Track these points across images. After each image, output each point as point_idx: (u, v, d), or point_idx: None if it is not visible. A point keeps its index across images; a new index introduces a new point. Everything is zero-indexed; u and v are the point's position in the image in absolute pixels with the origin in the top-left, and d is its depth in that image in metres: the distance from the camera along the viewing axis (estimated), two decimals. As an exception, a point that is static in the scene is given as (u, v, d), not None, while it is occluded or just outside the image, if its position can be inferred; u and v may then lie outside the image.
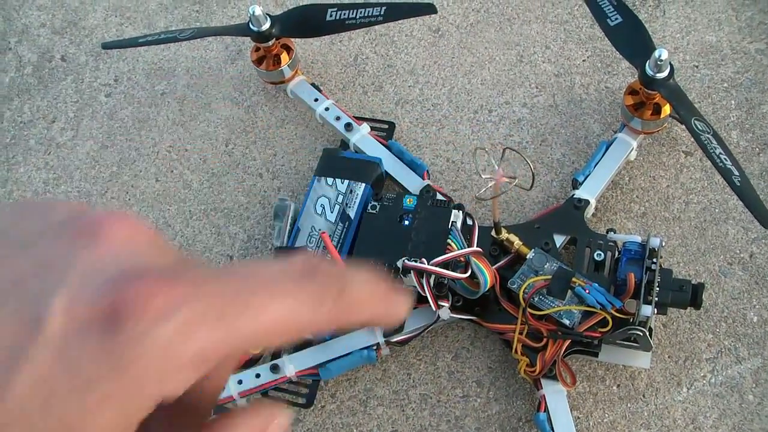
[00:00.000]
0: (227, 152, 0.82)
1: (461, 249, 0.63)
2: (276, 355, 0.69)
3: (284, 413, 0.26)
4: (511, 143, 0.78)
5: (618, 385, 0.67)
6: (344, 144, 0.77)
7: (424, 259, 0.61)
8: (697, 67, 0.79)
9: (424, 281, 0.61)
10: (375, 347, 0.67)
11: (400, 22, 0.85)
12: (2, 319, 0.20)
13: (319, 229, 0.68)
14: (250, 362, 0.68)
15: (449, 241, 0.63)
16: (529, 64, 0.82)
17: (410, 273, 0.61)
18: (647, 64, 0.66)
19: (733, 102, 0.77)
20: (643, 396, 0.66)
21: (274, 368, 0.67)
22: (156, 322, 0.20)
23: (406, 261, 0.61)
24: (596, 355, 0.66)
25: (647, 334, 0.61)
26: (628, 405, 0.66)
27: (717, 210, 0.72)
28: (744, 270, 0.70)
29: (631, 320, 0.61)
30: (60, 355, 0.20)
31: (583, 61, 0.82)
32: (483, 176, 0.55)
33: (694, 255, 0.71)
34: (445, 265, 0.61)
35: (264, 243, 0.77)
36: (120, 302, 0.20)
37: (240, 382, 0.67)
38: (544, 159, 0.77)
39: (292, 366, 0.67)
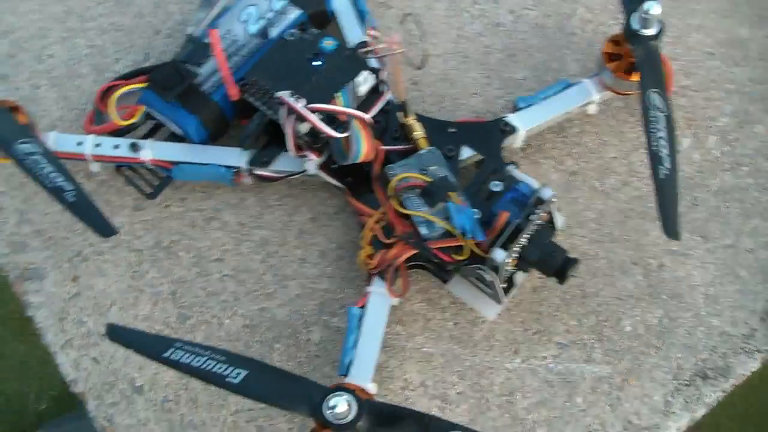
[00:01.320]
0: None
1: (347, 108, 0.58)
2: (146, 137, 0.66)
3: None
4: (478, 44, 0.72)
5: (455, 323, 0.62)
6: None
7: (304, 100, 0.57)
8: (712, 54, 0.71)
9: (292, 122, 0.57)
10: (235, 170, 0.63)
11: None
12: None
13: (235, 35, 0.64)
14: (120, 132, 0.66)
15: (338, 95, 0.59)
16: (540, -28, 0.75)
17: (282, 107, 0.57)
18: (634, 14, 0.59)
19: (729, 107, 0.69)
20: (474, 346, 0.62)
21: (134, 146, 0.64)
22: None
23: (284, 95, 0.57)
24: (445, 281, 0.62)
25: (497, 282, 0.56)
26: (455, 347, 0.62)
27: (650, 205, 0.65)
28: (645, 276, 0.63)
29: (486, 261, 0.56)
30: None
31: (597, -5, 0.74)
32: (372, 33, 0.50)
33: (603, 237, 0.65)
34: (328, 118, 0.57)
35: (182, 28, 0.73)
36: None
37: (98, 145, 0.65)
38: (504, 73, 0.71)
39: (150, 151, 0.64)
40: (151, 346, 0.53)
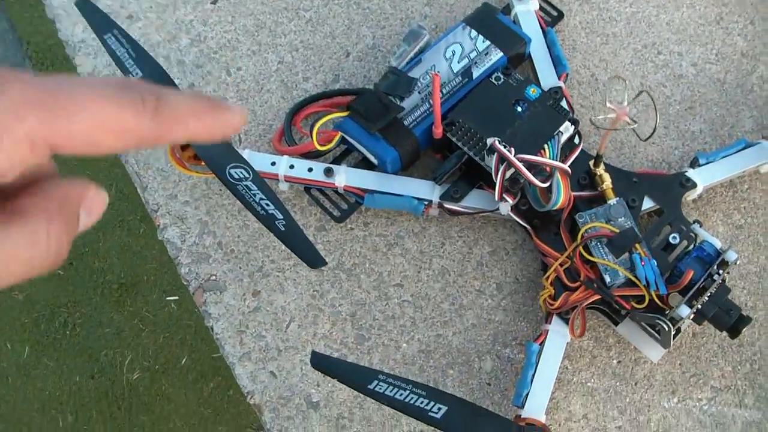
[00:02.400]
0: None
1: (552, 159, 0.61)
2: (335, 161, 0.69)
3: (101, 191, 0.29)
4: (660, 94, 0.74)
5: (619, 361, 0.66)
6: (507, 8, 0.74)
7: (513, 149, 0.59)
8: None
9: (501, 169, 0.60)
10: (427, 203, 0.66)
11: None
12: None
13: (438, 71, 0.67)
14: (311, 154, 0.68)
15: (545, 146, 0.61)
16: (723, 30, 0.77)
17: (493, 154, 0.60)
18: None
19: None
20: (635, 384, 0.65)
21: (328, 171, 0.67)
22: None
23: (496, 141, 0.60)
24: (616, 323, 0.65)
25: (671, 331, 0.60)
26: (617, 383, 0.65)
27: (812, 264, 0.68)
28: (804, 332, 0.67)
29: (666, 312, 0.60)
30: None
31: (777, 55, 0.76)
32: (607, 104, 0.52)
33: (763, 291, 0.68)
34: (529, 166, 0.60)
35: (384, 57, 0.75)
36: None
37: (292, 166, 0.67)
38: (681, 125, 0.73)
39: (344, 177, 0.67)
40: (356, 377, 0.55)
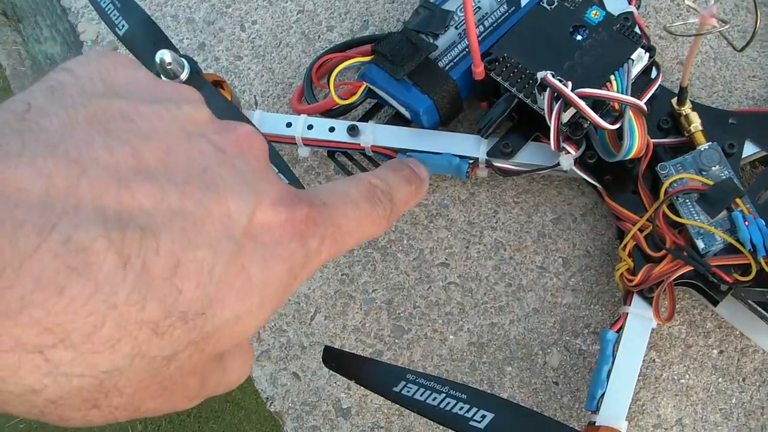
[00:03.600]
0: None
1: (622, 94, 0.48)
2: (363, 118, 0.58)
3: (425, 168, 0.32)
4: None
5: (721, 351, 0.53)
6: None
7: (570, 83, 0.47)
8: None
9: (556, 108, 0.47)
10: (472, 161, 0.54)
11: None
12: (209, 205, 0.22)
13: (478, 1, 0.55)
14: (334, 113, 0.58)
15: (612, 77, 0.49)
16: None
17: (545, 91, 0.47)
18: None
19: None
20: (743, 380, 0.52)
21: (352, 130, 0.56)
22: (311, 239, 0.25)
23: (549, 75, 0.47)
24: (716, 303, 0.51)
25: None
26: (719, 380, 0.52)
27: None
28: None
29: (783, 286, 0.46)
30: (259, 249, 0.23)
31: None
32: (687, 2, 0.40)
33: None
34: (592, 103, 0.47)
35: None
36: (298, 221, 0.24)
37: (310, 127, 0.57)
38: (794, 50, 0.59)
39: (371, 135, 0.56)
40: (377, 377, 0.45)
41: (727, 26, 0.39)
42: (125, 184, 0.20)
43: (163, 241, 0.20)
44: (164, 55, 0.49)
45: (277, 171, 0.47)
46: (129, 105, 0.22)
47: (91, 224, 0.19)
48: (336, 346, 0.54)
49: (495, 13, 0.54)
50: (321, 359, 0.46)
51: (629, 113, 0.48)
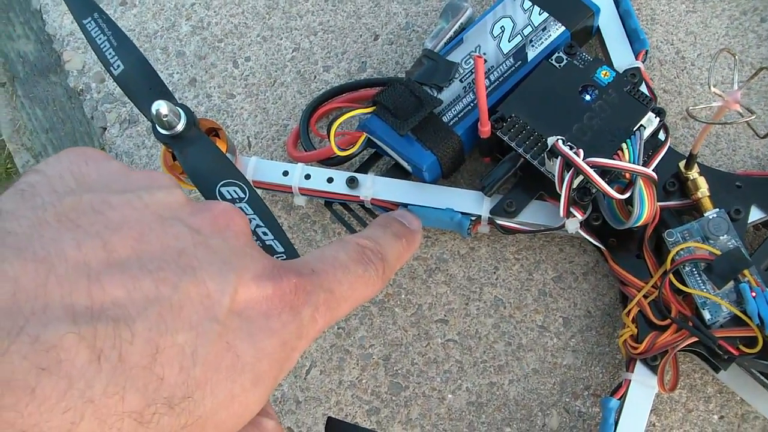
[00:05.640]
0: None
1: (633, 163, 0.47)
2: (362, 169, 0.57)
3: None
4: (764, 73, 0.59)
5: (721, 417, 0.52)
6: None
7: (581, 151, 0.46)
8: None
9: (567, 177, 0.46)
10: (474, 218, 0.53)
11: None
12: (186, 288, 0.21)
13: (483, 52, 0.53)
14: (332, 161, 0.56)
15: (624, 145, 0.47)
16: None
17: (556, 159, 0.46)
18: None
19: None
20: (744, 447, 0.51)
21: (351, 181, 0.54)
22: (303, 308, 0.25)
23: (560, 142, 0.46)
24: (717, 370, 0.51)
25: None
26: (720, 446, 0.51)
27: None
28: None
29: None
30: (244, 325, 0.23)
31: None
32: (712, 89, 0.38)
33: None
34: (602, 172, 0.46)
35: (419, 39, 0.62)
36: (286, 292, 0.24)
37: (308, 176, 0.55)
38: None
39: (371, 188, 0.54)
40: None
41: (754, 116, 0.38)
42: (95, 278, 0.20)
43: (139, 330, 0.20)
44: (160, 107, 0.47)
45: (273, 237, 0.45)
46: (99, 198, 0.22)
47: (59, 322, 0.19)
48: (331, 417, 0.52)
49: (501, 67, 0.53)
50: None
51: (640, 182, 0.46)
